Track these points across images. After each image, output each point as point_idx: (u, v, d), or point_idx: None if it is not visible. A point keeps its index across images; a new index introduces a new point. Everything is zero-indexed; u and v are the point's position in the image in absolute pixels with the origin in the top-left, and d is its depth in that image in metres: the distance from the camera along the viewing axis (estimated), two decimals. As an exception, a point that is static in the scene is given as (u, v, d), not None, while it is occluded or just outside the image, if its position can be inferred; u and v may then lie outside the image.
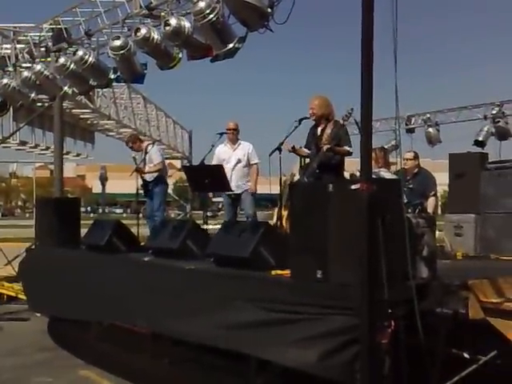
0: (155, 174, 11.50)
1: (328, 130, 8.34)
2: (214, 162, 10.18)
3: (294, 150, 8.44)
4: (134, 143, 11.93)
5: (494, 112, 17.18)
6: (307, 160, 8.59)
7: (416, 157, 10.46)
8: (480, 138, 17.11)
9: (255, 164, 10.41)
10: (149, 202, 11.71)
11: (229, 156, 10.35)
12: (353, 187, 4.77)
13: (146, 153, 11.53)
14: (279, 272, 5.91)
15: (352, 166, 8.93)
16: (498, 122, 17.04)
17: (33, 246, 10.54)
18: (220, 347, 5.89)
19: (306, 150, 8.60)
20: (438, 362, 4.86)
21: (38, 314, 10.42)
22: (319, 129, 8.49)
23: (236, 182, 9.55)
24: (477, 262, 8.79)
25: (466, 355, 5.16)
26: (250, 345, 5.54)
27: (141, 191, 11.40)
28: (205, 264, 6.85)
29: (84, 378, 7.73)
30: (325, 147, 8.14)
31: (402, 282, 4.83)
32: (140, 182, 11.40)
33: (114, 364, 7.83)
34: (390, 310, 4.60)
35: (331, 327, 4.82)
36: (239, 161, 10.30)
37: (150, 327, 6.99)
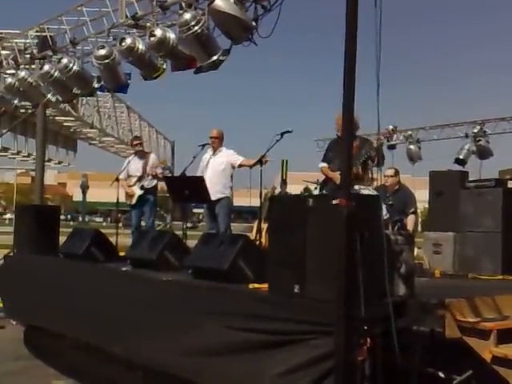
0: (153, 183, 11.40)
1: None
2: (199, 170, 10.15)
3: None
4: (141, 144, 11.92)
5: (475, 131, 17.33)
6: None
7: (397, 173, 10.51)
8: (461, 157, 17.25)
9: (242, 159, 10.15)
10: (136, 213, 11.56)
11: (209, 163, 10.27)
12: (332, 202, 4.76)
13: (147, 160, 11.46)
14: (257, 285, 5.90)
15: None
16: (480, 140, 17.19)
17: (11, 253, 10.45)
18: (191, 379, 5.81)
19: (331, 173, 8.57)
20: (413, 380, 4.85)
21: (14, 322, 10.33)
22: None
23: (212, 188, 9.26)
24: (455, 280, 8.81)
25: (441, 374, 5.16)
26: (221, 378, 5.48)
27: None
28: (182, 276, 6.83)
29: (57, 387, 7.69)
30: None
31: (379, 299, 4.82)
32: (138, 191, 11.30)
33: (87, 374, 7.77)
34: (366, 327, 4.58)
35: (313, 354, 4.72)
36: (217, 168, 10.19)
37: (125, 354, 6.90)
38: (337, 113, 8.46)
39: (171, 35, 7.36)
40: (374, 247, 4.84)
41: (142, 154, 11.66)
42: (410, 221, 9.92)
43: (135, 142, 12.00)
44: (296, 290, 5.11)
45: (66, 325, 7.99)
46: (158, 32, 7.33)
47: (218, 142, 10.30)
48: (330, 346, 4.57)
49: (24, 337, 9.61)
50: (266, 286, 5.58)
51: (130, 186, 11.39)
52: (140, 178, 11.33)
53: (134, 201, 11.40)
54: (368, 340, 4.57)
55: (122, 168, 11.65)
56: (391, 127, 7.96)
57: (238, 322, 5.40)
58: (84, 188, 51.77)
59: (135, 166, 11.52)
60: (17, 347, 9.32)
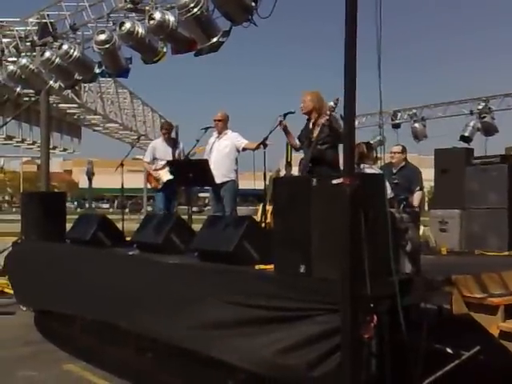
0: None
1: (321, 122, 8.20)
2: (205, 154, 10.10)
3: (285, 128, 8.27)
4: (172, 131, 11.92)
5: (480, 107, 17.20)
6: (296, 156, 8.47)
7: (404, 150, 10.43)
8: (466, 134, 17.12)
9: (246, 142, 9.94)
10: (164, 196, 11.49)
11: (213, 146, 10.20)
12: (335, 182, 4.75)
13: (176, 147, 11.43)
14: (263, 267, 5.92)
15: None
16: (484, 117, 17.06)
17: (19, 240, 10.50)
18: (198, 350, 5.89)
19: (297, 141, 8.50)
20: (420, 357, 4.86)
21: (24, 308, 10.41)
22: (311, 122, 8.44)
23: (217, 171, 9.17)
24: (461, 257, 8.82)
25: (449, 350, 5.17)
26: (228, 350, 5.52)
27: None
28: (189, 258, 6.85)
29: (68, 371, 7.71)
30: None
31: (385, 277, 4.81)
32: (167, 175, 11.20)
33: (97, 357, 7.83)
34: (372, 305, 4.58)
35: (319, 329, 4.74)
36: (222, 151, 10.12)
37: (131, 328, 6.95)
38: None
39: (170, 18, 7.34)
40: (378, 225, 4.84)
41: (173, 141, 11.61)
42: (415, 198, 9.88)
43: (165, 128, 11.93)
44: (302, 270, 5.12)
45: (75, 306, 8.07)
46: (158, 15, 7.32)
47: (222, 124, 10.17)
48: (337, 322, 4.58)
49: (35, 321, 9.69)
50: (271, 266, 5.59)
51: (157, 170, 11.34)
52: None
53: (160, 185, 11.34)
54: (374, 317, 4.57)
55: (147, 152, 11.64)
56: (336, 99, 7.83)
57: (246, 299, 5.41)
58: (90, 175, 51.67)
59: (165, 150, 11.42)
60: (27, 332, 9.39)
